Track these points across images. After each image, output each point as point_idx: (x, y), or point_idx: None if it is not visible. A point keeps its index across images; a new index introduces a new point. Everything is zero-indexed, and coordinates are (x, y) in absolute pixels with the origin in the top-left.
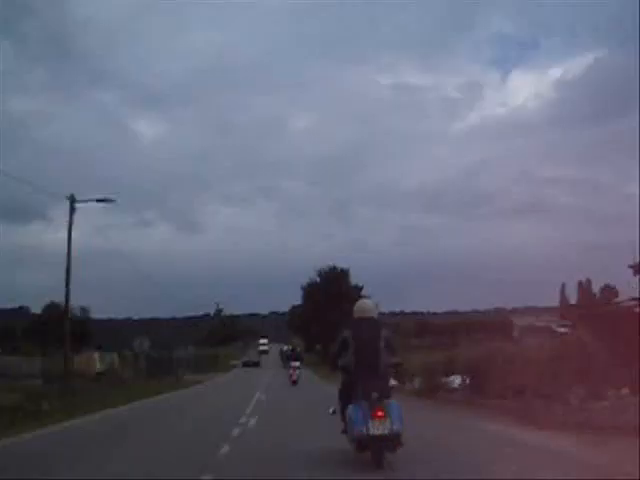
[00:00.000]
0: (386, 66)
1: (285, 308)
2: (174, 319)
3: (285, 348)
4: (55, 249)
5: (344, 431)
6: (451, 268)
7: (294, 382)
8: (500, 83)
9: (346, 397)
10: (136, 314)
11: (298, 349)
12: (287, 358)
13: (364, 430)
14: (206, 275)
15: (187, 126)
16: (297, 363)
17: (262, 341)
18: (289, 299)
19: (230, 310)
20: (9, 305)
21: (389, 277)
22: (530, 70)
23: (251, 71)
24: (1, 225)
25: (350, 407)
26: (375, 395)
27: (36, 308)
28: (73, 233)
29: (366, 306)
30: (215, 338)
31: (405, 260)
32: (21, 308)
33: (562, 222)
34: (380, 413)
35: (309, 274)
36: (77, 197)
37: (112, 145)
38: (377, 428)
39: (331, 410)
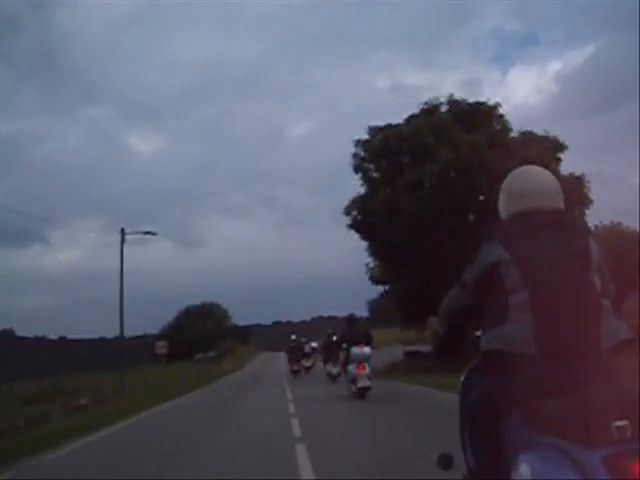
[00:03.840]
0: (382, 65)
1: (289, 318)
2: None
3: (294, 337)
4: (51, 272)
5: None
6: None
7: (362, 392)
8: (500, 79)
9: (493, 422)
10: (127, 332)
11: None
12: (333, 344)
13: None
14: (207, 289)
15: (182, 139)
16: (367, 350)
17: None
18: (292, 308)
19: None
20: None
21: None
22: (530, 65)
23: (245, 79)
24: None
25: (527, 459)
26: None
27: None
28: (74, 254)
29: (542, 181)
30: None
31: None
32: (4, 331)
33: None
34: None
35: (315, 280)
36: (74, 216)
37: (107, 162)
38: None
39: (439, 457)
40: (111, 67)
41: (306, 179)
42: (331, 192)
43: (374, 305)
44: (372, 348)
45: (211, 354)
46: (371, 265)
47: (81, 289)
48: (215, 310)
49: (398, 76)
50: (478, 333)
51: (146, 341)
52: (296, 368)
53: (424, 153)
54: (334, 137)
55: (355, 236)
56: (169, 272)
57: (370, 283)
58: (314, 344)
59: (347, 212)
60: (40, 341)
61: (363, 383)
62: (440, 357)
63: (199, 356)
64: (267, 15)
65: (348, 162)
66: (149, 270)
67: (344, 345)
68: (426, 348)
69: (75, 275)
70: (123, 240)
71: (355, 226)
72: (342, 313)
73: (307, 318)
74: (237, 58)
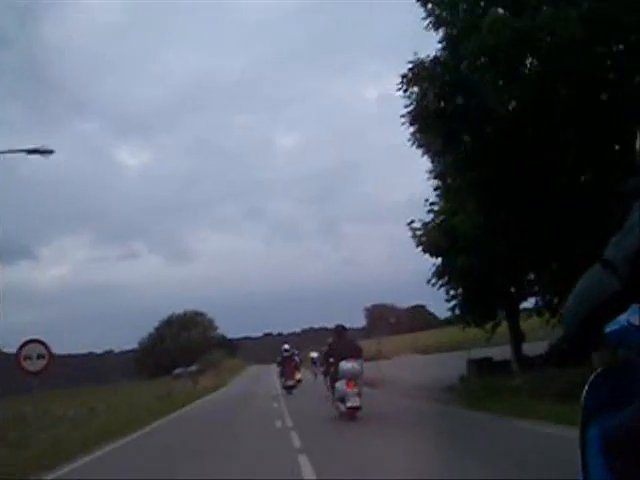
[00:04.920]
0: (371, 76)
1: (280, 329)
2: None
3: (287, 347)
4: (39, 288)
5: None
6: None
7: (351, 412)
8: None
9: None
10: (117, 347)
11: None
12: (324, 359)
13: None
14: (197, 302)
15: (171, 151)
16: (357, 365)
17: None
18: (283, 320)
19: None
20: None
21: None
22: None
23: (233, 90)
24: None
25: None
26: None
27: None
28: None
29: None
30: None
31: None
32: None
33: None
34: None
35: (306, 291)
36: (62, 231)
37: (96, 176)
38: None
39: None
40: (99, 80)
41: (295, 190)
42: (320, 203)
43: (373, 312)
44: (361, 362)
45: (193, 368)
46: (416, 224)
47: (68, 304)
48: (199, 319)
49: (386, 87)
50: (608, 329)
51: (129, 357)
52: (291, 383)
53: None
54: (323, 148)
55: (345, 246)
56: (157, 285)
57: (420, 251)
58: (315, 354)
59: (405, 87)
60: None
61: (353, 402)
62: (559, 363)
63: (179, 370)
64: (256, 26)
65: (337, 171)
66: (137, 284)
67: (331, 359)
68: (499, 354)
69: (63, 290)
70: None
71: (419, 114)
72: (333, 324)
73: (298, 330)
74: (226, 70)
